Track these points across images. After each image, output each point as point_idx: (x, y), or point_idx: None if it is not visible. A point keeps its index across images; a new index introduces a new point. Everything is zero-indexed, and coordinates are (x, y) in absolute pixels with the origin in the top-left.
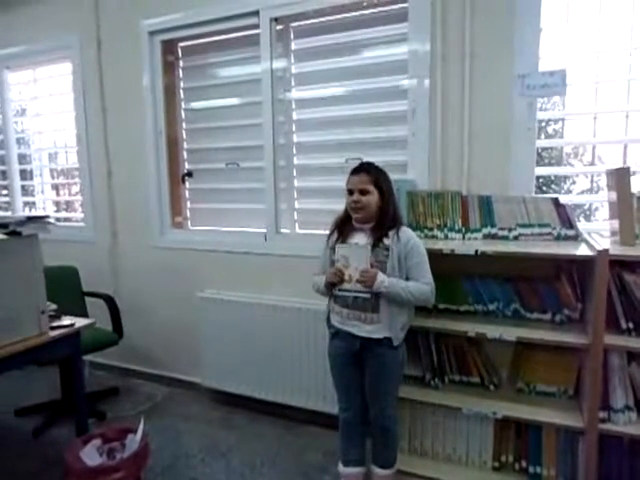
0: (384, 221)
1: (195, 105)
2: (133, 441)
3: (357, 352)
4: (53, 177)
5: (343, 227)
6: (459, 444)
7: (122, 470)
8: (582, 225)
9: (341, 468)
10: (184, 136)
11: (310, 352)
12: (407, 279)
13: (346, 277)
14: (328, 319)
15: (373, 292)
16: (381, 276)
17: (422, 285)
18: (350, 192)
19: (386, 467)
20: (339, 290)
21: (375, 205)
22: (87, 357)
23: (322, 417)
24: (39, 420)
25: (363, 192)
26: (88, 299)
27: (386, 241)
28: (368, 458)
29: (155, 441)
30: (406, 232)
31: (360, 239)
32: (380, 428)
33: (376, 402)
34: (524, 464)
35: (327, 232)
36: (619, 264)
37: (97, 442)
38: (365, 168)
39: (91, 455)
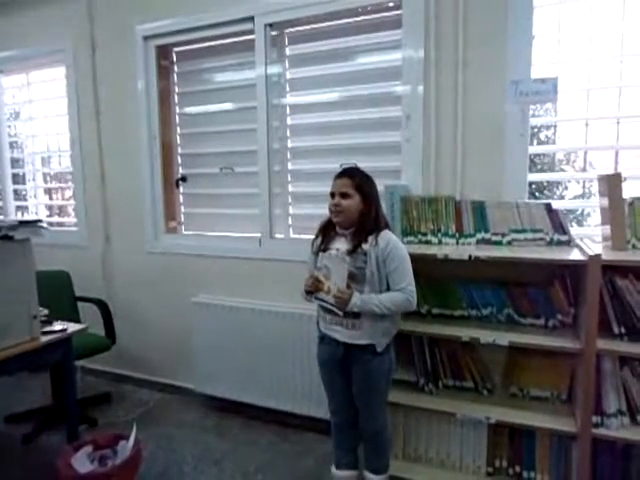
0: (365, 226)
1: (190, 110)
2: (125, 448)
3: (342, 358)
4: (46, 181)
5: (326, 232)
6: (453, 449)
7: (113, 477)
8: (574, 230)
9: (334, 470)
10: (178, 141)
11: (304, 357)
12: (388, 284)
13: (325, 288)
14: (318, 322)
15: (345, 312)
16: (355, 298)
17: (396, 294)
18: (332, 195)
19: (378, 472)
20: (315, 298)
21: (355, 210)
22: (79, 362)
23: (316, 423)
24: (30, 427)
25: (344, 196)
26: (80, 304)
27: (365, 246)
28: (362, 462)
29: (147, 448)
30: (385, 236)
31: (341, 245)
32: (370, 434)
33: (365, 409)
34: (518, 469)
35: None
36: (611, 269)
37: (88, 449)
38: (348, 172)
39: (82, 462)
